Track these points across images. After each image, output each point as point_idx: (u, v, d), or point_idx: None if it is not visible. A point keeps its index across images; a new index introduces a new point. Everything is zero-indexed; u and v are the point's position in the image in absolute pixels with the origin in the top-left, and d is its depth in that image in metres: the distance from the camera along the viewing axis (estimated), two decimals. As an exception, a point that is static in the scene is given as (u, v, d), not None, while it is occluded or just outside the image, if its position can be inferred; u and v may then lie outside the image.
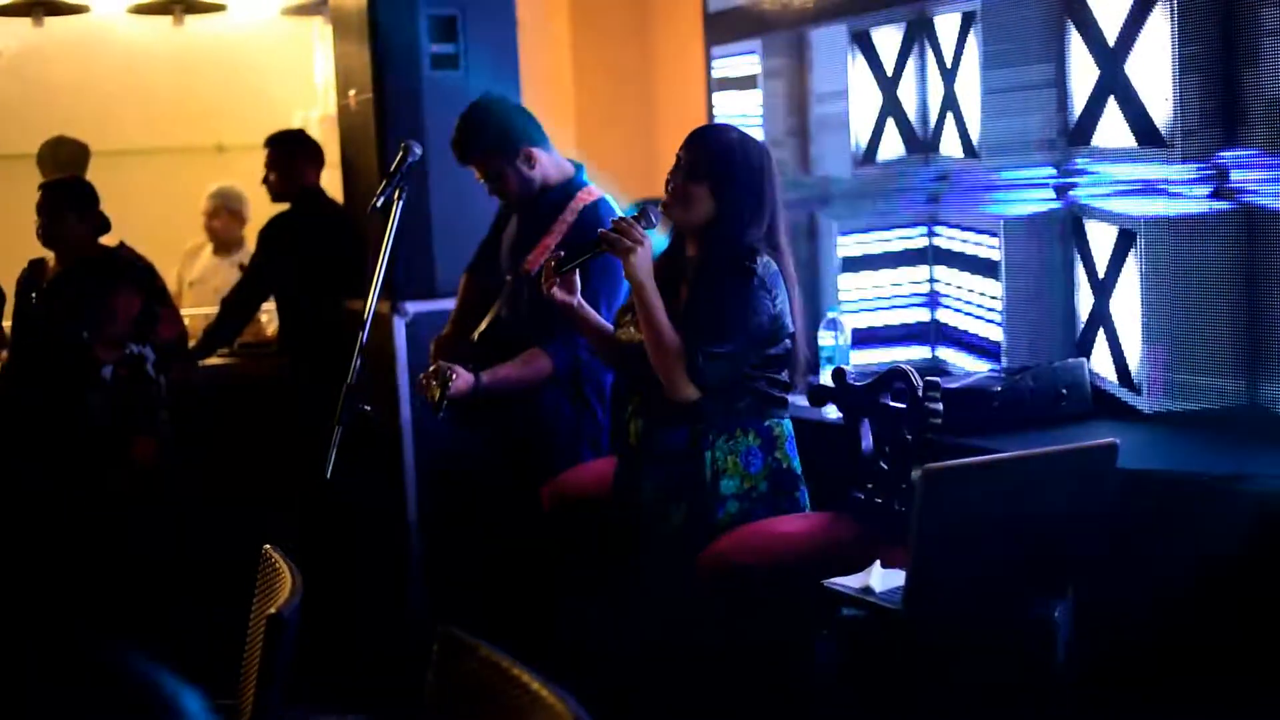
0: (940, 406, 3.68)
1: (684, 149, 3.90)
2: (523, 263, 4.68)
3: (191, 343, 6.54)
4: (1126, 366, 4.27)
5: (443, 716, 2.17)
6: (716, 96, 6.16)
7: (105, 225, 5.87)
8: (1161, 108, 4.03)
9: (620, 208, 4.75)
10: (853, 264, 5.23)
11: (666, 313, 3.77)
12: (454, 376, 4.26)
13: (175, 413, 5.90)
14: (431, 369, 4.39)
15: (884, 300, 5.20)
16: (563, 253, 3.92)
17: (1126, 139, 4.21)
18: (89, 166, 7.14)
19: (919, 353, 5.13)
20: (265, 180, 6.45)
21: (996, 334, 4.69)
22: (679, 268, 3.93)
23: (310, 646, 2.96)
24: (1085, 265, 4.47)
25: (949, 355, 5.04)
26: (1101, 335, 4.40)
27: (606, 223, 4.54)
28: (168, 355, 5.90)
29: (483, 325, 4.78)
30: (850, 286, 5.21)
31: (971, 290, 4.86)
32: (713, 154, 3.86)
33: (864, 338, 5.09)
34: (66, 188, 5.92)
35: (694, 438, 3.86)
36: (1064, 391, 4.30)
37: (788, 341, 3.88)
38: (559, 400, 4.68)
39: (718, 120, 6.07)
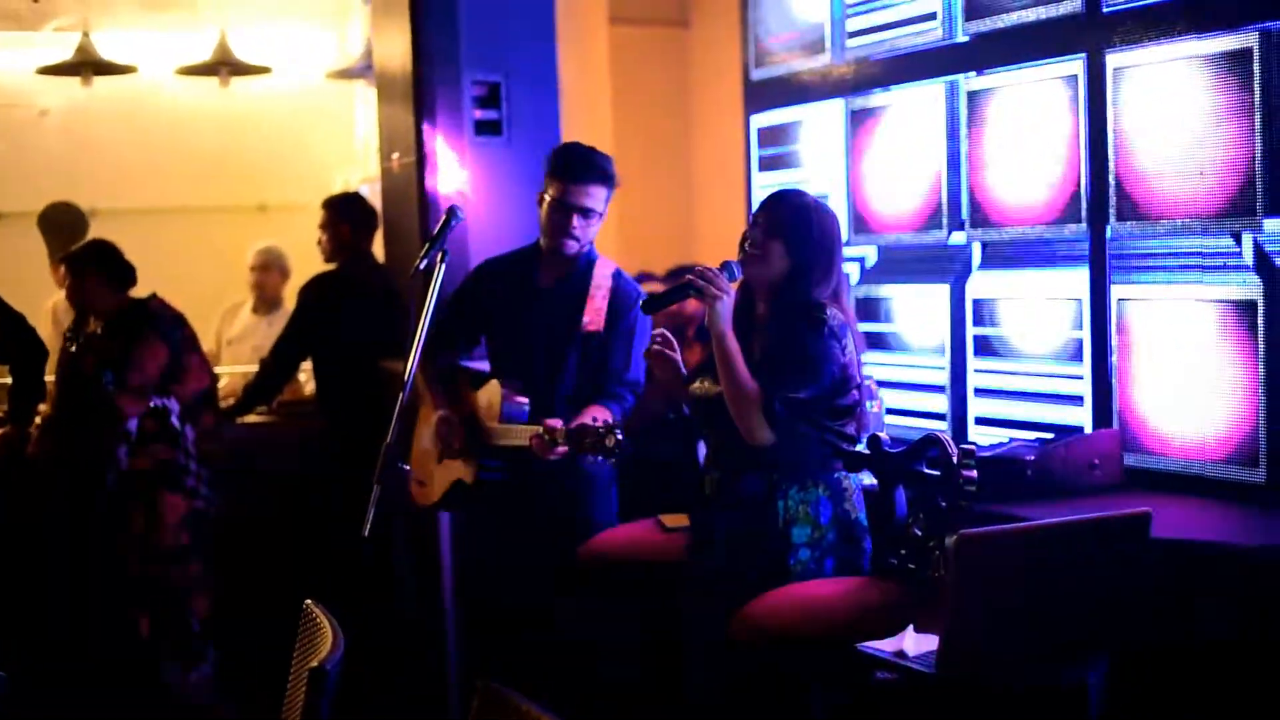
0: (975, 474, 3.71)
1: (761, 209, 4.05)
2: (578, 326, 4.72)
3: (231, 401, 6.61)
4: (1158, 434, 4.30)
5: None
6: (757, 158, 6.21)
7: (129, 279, 5.93)
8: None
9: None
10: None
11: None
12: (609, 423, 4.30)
13: (206, 463, 5.92)
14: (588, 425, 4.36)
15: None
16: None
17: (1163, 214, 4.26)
18: (91, 227, 7.17)
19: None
20: (318, 241, 6.55)
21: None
22: (749, 323, 4.03)
23: (349, 701, 2.98)
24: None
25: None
26: (1131, 403, 4.43)
27: (631, 286, 4.74)
28: (196, 407, 5.93)
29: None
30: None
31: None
32: (789, 215, 4.01)
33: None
34: (85, 254, 5.99)
35: (769, 486, 3.94)
36: (1096, 461, 4.33)
37: (855, 393, 3.98)
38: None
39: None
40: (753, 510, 3.96)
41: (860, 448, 4.06)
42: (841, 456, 3.99)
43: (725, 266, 3.95)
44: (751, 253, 3.99)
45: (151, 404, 5.78)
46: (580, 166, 4.65)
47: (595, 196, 4.65)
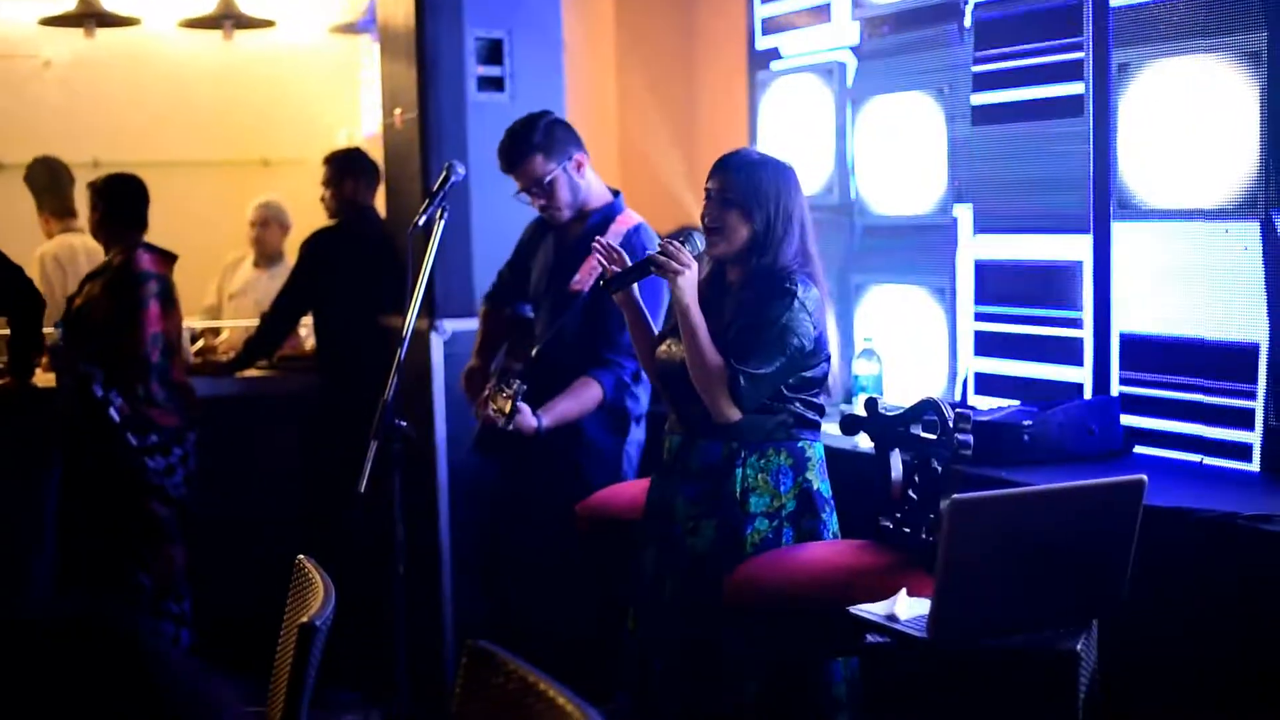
0: (970, 438, 3.70)
1: (712, 180, 3.96)
2: (569, 284, 4.71)
3: (231, 354, 6.60)
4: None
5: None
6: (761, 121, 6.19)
7: (128, 224, 5.84)
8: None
9: (656, 234, 4.78)
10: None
11: (710, 335, 3.83)
12: (522, 389, 4.32)
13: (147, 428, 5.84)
14: (493, 383, 4.42)
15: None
16: (616, 268, 3.97)
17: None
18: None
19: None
20: (321, 197, 6.53)
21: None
22: (722, 291, 3.98)
23: (340, 658, 2.99)
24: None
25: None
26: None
27: (648, 246, 4.61)
28: (131, 373, 5.77)
29: (539, 345, 4.80)
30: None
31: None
32: (741, 180, 3.92)
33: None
34: (103, 183, 5.94)
35: (727, 454, 3.91)
36: (1093, 428, 4.33)
37: (825, 364, 3.93)
38: (600, 432, 4.73)
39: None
40: (710, 478, 3.94)
41: (858, 410, 4.06)
42: (809, 424, 3.97)
43: (689, 238, 3.87)
44: (711, 227, 3.92)
45: (80, 371, 5.66)
46: (508, 154, 4.77)
47: (534, 170, 4.72)
